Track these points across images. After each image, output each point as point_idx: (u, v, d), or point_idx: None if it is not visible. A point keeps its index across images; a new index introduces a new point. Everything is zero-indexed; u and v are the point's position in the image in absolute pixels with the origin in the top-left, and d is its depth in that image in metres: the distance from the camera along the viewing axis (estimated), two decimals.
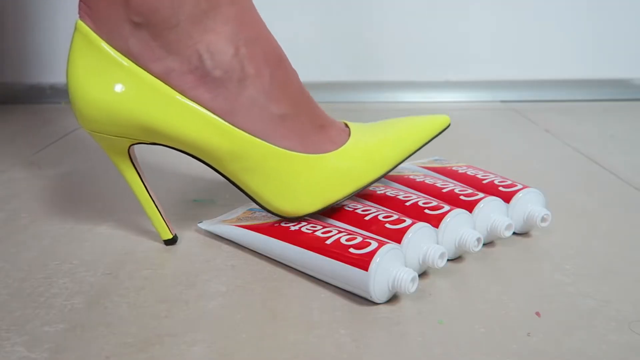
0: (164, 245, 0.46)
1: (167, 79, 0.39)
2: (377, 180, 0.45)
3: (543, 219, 0.46)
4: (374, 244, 0.38)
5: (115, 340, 0.35)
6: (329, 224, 0.43)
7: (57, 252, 0.46)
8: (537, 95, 1.01)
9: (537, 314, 0.37)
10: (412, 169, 0.55)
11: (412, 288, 0.37)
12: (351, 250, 0.38)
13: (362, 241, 0.39)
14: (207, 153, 0.41)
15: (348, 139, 0.44)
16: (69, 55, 0.40)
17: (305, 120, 0.42)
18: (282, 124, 0.41)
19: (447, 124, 0.48)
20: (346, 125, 0.46)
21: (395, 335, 0.35)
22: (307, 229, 0.42)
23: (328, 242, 0.40)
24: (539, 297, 0.39)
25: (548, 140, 0.77)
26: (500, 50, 1.00)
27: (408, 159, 0.47)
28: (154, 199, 0.45)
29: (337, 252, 0.39)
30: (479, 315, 0.37)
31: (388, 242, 0.38)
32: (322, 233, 0.41)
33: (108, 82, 0.39)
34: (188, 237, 0.48)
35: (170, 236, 0.46)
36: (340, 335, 0.35)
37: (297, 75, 0.43)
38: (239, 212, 0.49)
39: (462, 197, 0.46)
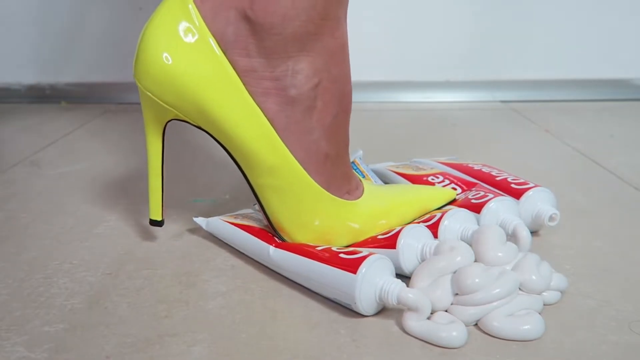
0: (164, 245, 0.46)
1: (245, 76, 0.39)
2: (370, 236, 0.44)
3: (551, 218, 0.46)
4: (365, 252, 0.37)
5: (115, 340, 0.35)
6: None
7: (57, 252, 0.46)
8: (537, 95, 1.01)
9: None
10: (431, 165, 0.56)
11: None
12: (341, 255, 0.38)
13: (352, 250, 0.38)
14: (247, 158, 0.41)
15: (361, 195, 0.44)
16: (159, 8, 0.39)
17: (340, 165, 0.43)
18: (323, 161, 0.42)
19: (452, 198, 0.49)
20: (360, 181, 0.47)
21: (395, 335, 0.35)
22: None
23: (318, 248, 0.40)
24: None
25: (548, 140, 0.77)
26: (501, 50, 1.00)
27: (407, 157, 0.46)
28: (163, 178, 0.44)
29: (326, 256, 0.38)
30: None
31: (377, 253, 0.37)
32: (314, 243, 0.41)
33: (188, 54, 0.39)
34: (188, 237, 0.48)
35: (159, 218, 0.45)
36: (340, 335, 0.35)
37: (349, 122, 0.44)
38: (240, 212, 0.49)
39: (473, 202, 0.46)
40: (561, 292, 0.39)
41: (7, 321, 0.37)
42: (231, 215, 0.48)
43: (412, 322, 0.35)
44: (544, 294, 0.38)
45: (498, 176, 0.50)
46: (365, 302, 0.36)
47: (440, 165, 0.56)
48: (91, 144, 0.77)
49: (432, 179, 0.52)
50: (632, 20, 0.99)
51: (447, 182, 0.51)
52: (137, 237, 0.48)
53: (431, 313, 0.36)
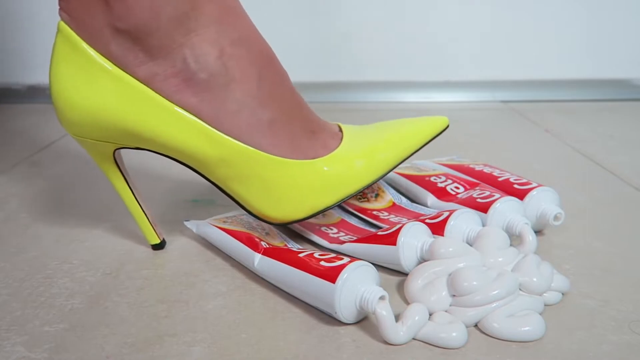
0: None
1: (151, 83, 0.38)
2: (370, 185, 0.43)
3: (556, 218, 0.45)
4: (346, 259, 0.36)
5: (115, 340, 0.35)
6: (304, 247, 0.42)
7: (57, 252, 0.46)
8: (537, 95, 1.01)
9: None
10: (431, 167, 0.56)
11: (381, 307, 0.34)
12: (322, 263, 0.36)
13: (334, 256, 0.37)
14: (193, 159, 0.40)
15: (340, 143, 0.42)
16: (51, 57, 0.40)
17: (296, 124, 0.41)
18: (270, 130, 0.40)
19: (445, 126, 0.46)
20: (340, 129, 0.44)
21: None
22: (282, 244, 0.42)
23: (301, 255, 0.38)
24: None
25: (548, 140, 0.77)
26: (500, 51, 1.00)
27: (408, 160, 0.46)
28: (140, 203, 0.44)
29: (307, 264, 0.37)
30: None
31: (360, 259, 0.36)
32: (297, 248, 0.41)
33: (91, 85, 0.38)
34: (188, 237, 0.48)
35: (158, 241, 0.45)
36: (340, 335, 0.35)
37: (288, 77, 0.42)
38: (231, 214, 0.48)
39: (478, 201, 0.46)
40: (562, 293, 0.39)
41: (7, 321, 0.37)
42: (221, 219, 0.47)
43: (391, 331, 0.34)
44: (544, 294, 0.38)
45: (500, 177, 0.50)
46: (345, 310, 0.35)
47: (442, 166, 0.56)
48: None
49: (435, 180, 0.52)
50: (632, 20, 0.99)
51: (449, 182, 0.51)
52: (137, 237, 0.48)
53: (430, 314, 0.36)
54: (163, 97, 0.38)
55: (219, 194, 0.57)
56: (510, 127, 0.85)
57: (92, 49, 0.38)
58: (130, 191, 0.43)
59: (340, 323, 0.36)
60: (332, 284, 0.34)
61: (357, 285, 0.35)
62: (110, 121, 0.39)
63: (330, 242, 0.44)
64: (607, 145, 0.74)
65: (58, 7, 0.39)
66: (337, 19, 0.98)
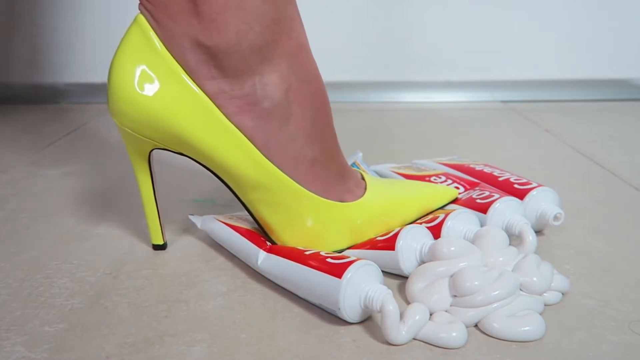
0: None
1: (216, 99, 0.39)
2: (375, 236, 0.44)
3: (556, 218, 0.46)
4: (351, 258, 0.36)
5: (115, 340, 0.35)
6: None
7: (57, 252, 0.46)
8: (537, 95, 1.01)
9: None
10: (432, 166, 0.56)
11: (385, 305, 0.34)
12: (328, 260, 0.37)
13: (340, 255, 0.38)
14: (233, 177, 0.41)
15: (364, 192, 0.44)
16: (120, 44, 0.39)
17: (332, 167, 0.43)
18: (311, 167, 0.41)
19: (454, 197, 0.49)
20: (362, 178, 0.46)
21: None
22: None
23: (306, 252, 0.39)
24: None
25: (548, 140, 0.77)
26: (501, 50, 1.00)
27: (409, 159, 0.46)
28: (157, 203, 0.44)
29: (313, 261, 0.37)
30: None
31: (365, 259, 0.37)
32: (302, 247, 0.41)
33: (155, 83, 0.39)
34: (188, 237, 0.48)
35: (162, 242, 0.46)
36: (340, 335, 0.35)
37: (332, 121, 0.44)
38: (237, 214, 0.49)
39: (478, 202, 0.46)
40: (562, 293, 0.39)
41: (7, 321, 0.37)
42: (226, 216, 0.47)
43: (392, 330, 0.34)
44: (545, 294, 0.38)
45: (500, 176, 0.50)
46: (349, 308, 0.35)
47: (442, 166, 0.56)
48: (91, 144, 0.77)
49: (435, 179, 0.52)
50: (632, 20, 0.99)
51: (449, 182, 0.51)
52: (137, 237, 0.48)
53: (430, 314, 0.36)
54: (224, 114, 0.39)
55: (219, 194, 0.57)
56: (510, 127, 0.85)
57: (167, 50, 0.38)
58: (152, 190, 0.44)
59: (340, 323, 0.36)
60: (337, 279, 0.35)
61: (362, 283, 0.35)
62: (166, 124, 0.39)
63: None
64: (607, 145, 0.74)
65: (139, 2, 0.39)
66: (337, 19, 0.98)
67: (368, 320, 0.37)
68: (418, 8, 0.98)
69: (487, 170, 0.52)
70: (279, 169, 0.40)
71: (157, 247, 0.46)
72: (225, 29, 0.37)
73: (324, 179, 0.42)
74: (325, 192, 0.42)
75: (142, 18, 0.39)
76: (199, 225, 0.47)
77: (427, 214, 0.46)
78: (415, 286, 0.37)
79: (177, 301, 0.39)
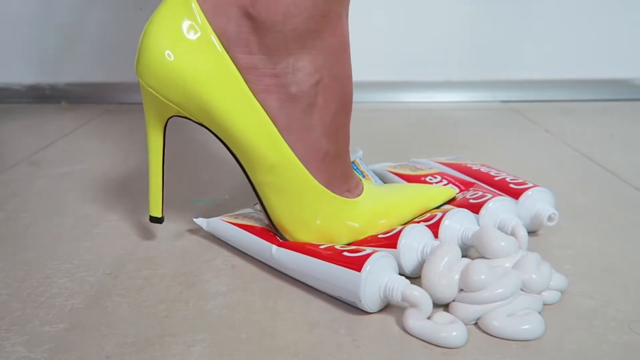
0: (164, 245, 0.46)
1: (246, 74, 0.39)
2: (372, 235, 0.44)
3: (550, 218, 0.46)
4: (368, 250, 0.38)
5: (115, 340, 0.35)
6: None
7: (57, 252, 0.46)
8: (537, 95, 1.01)
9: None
10: (429, 165, 0.56)
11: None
12: (345, 253, 0.38)
13: (356, 248, 0.39)
14: (248, 155, 0.41)
15: (361, 194, 0.45)
16: (159, 10, 0.39)
17: (339, 164, 0.43)
18: (322, 160, 0.42)
19: (452, 197, 0.49)
20: (360, 180, 0.47)
21: (395, 335, 0.35)
22: None
23: (322, 246, 0.40)
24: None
25: (548, 140, 0.77)
26: (501, 50, 1.00)
27: (406, 157, 0.46)
28: (163, 175, 0.44)
29: (330, 255, 0.38)
30: None
31: (381, 250, 0.38)
32: (316, 241, 0.42)
33: (188, 49, 0.39)
34: (188, 237, 0.48)
35: (159, 215, 0.45)
36: (340, 335, 0.35)
37: (349, 122, 0.44)
38: (239, 212, 0.49)
39: (471, 202, 0.46)
40: (561, 292, 0.39)
41: (7, 321, 0.37)
42: (231, 215, 0.48)
43: (413, 321, 0.35)
44: (543, 293, 0.38)
45: (497, 176, 0.51)
46: (369, 299, 0.36)
47: (439, 165, 0.56)
48: (91, 144, 0.77)
49: (430, 179, 0.52)
50: (631, 20, 0.99)
51: (445, 182, 0.51)
52: (137, 237, 0.48)
53: (434, 303, 0.36)
54: (251, 90, 0.39)
55: (219, 194, 0.57)
56: (510, 127, 0.85)
57: (205, 20, 0.39)
58: (161, 159, 0.44)
59: (340, 323, 0.36)
60: (357, 272, 0.36)
61: (381, 275, 0.36)
62: (192, 89, 0.39)
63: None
64: (607, 145, 0.74)
65: None
66: None
67: (368, 319, 0.37)
68: (418, 8, 0.98)
69: (483, 169, 0.53)
70: (294, 153, 0.41)
71: (154, 220, 0.45)
72: (276, 7, 0.38)
73: (331, 174, 0.42)
74: (328, 185, 0.42)
75: None
76: (204, 227, 0.47)
77: (424, 213, 0.46)
78: (433, 267, 0.37)
79: (177, 301, 0.39)
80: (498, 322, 0.35)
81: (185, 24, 0.39)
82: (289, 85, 0.40)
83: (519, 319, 0.35)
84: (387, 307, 0.38)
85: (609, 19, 0.99)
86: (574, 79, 1.01)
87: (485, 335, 0.35)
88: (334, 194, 0.42)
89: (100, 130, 0.84)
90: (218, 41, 0.39)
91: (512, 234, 0.42)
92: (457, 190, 0.50)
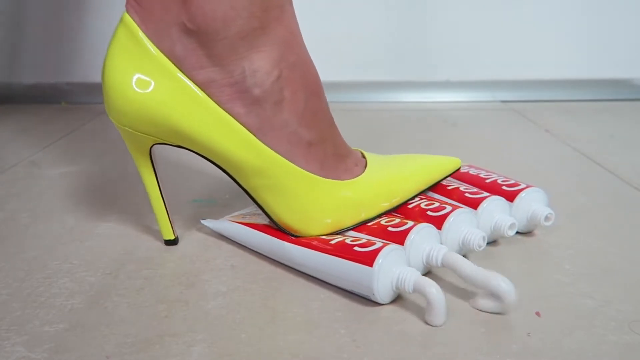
0: (164, 245, 0.46)
1: (206, 88, 0.39)
2: (385, 213, 0.45)
3: (547, 218, 0.46)
4: (379, 244, 0.38)
5: (115, 340, 0.35)
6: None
7: (57, 252, 0.46)
8: (537, 95, 1.01)
9: (537, 314, 0.37)
10: None
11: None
12: (356, 248, 0.38)
13: (366, 242, 0.39)
14: (232, 165, 0.41)
15: (364, 170, 0.45)
16: (109, 46, 0.40)
17: (329, 148, 0.43)
18: (307, 150, 0.42)
19: (457, 168, 0.49)
20: (362, 155, 0.47)
21: (395, 335, 0.35)
22: None
23: (332, 242, 0.40)
24: (539, 297, 0.39)
25: (548, 140, 0.77)
26: (501, 50, 1.00)
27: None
28: (164, 198, 0.45)
29: (342, 250, 0.39)
30: (479, 315, 0.37)
31: (391, 243, 0.38)
32: (326, 235, 0.42)
33: (147, 80, 0.39)
34: (188, 237, 0.48)
35: (173, 237, 0.46)
36: (340, 335, 0.35)
37: (327, 104, 0.44)
38: (244, 211, 0.49)
39: (467, 195, 0.46)
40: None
41: (7, 321, 0.37)
42: (239, 215, 0.48)
43: (435, 318, 0.36)
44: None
45: (487, 178, 0.50)
46: (382, 292, 0.37)
47: None
48: (91, 144, 0.77)
49: None
50: (632, 20, 0.99)
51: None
52: (137, 237, 0.48)
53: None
54: (216, 102, 0.40)
55: (219, 194, 0.57)
56: (510, 127, 0.85)
57: (154, 45, 0.39)
58: (157, 186, 0.45)
59: (340, 323, 0.36)
60: (369, 267, 0.37)
61: (393, 267, 0.37)
62: (161, 118, 0.40)
63: None
64: (607, 145, 0.74)
65: (126, 1, 0.40)
66: (337, 19, 0.98)
67: (368, 319, 0.37)
68: (418, 8, 0.98)
69: (472, 172, 0.52)
70: (275, 151, 0.41)
71: (168, 243, 0.46)
72: (213, 15, 0.38)
73: (321, 160, 0.42)
74: (322, 171, 0.42)
75: (127, 17, 0.39)
76: (212, 228, 0.47)
77: (433, 186, 0.47)
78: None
79: (177, 301, 0.39)
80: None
81: (137, 56, 0.39)
82: (251, 89, 0.40)
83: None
84: (386, 307, 0.38)
85: (609, 19, 0.99)
86: (574, 79, 1.01)
87: (485, 334, 0.35)
88: (329, 180, 0.42)
89: (100, 130, 0.84)
90: (172, 65, 0.39)
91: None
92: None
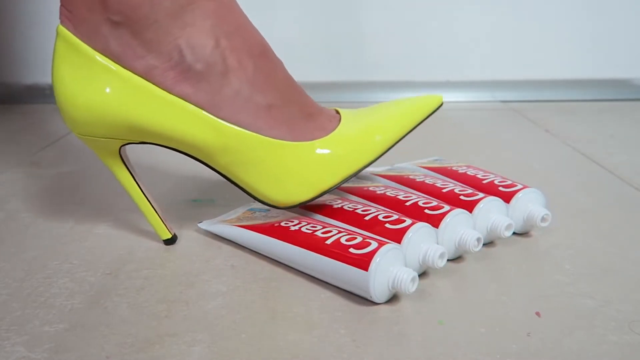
0: (164, 245, 0.46)
1: (150, 77, 0.39)
2: (369, 165, 0.44)
3: (543, 219, 0.46)
4: (374, 244, 0.38)
5: (115, 340, 0.35)
6: (329, 224, 0.43)
7: (57, 252, 0.46)
8: (537, 95, 1.01)
9: (537, 314, 0.37)
10: (412, 169, 0.55)
11: (412, 288, 0.37)
12: (351, 250, 0.38)
13: (362, 241, 0.39)
14: (196, 148, 0.41)
15: (338, 125, 0.44)
16: (53, 61, 0.41)
17: (293, 109, 0.42)
18: (268, 114, 0.41)
19: (439, 104, 0.47)
20: (337, 112, 0.46)
21: (395, 335, 0.35)
22: (307, 229, 0.42)
23: (328, 242, 0.40)
24: (539, 297, 0.39)
25: (548, 140, 0.77)
26: (500, 50, 1.00)
27: (389, 162, 0.45)
28: (149, 198, 0.45)
29: (337, 252, 0.39)
30: (479, 315, 0.37)
31: (388, 242, 0.38)
32: (322, 233, 0.41)
33: (93, 84, 0.39)
34: (188, 237, 0.48)
35: (169, 235, 0.46)
36: (340, 335, 0.35)
37: (283, 65, 0.43)
38: (239, 212, 0.49)
39: (462, 197, 0.46)
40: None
41: (7, 321, 0.37)
42: (233, 218, 0.48)
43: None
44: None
45: (484, 179, 0.50)
46: (379, 292, 0.37)
47: (424, 170, 0.54)
48: None
49: (374, 190, 0.49)
50: (632, 20, 0.99)
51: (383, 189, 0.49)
52: (137, 237, 0.48)
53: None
54: (162, 89, 0.39)
55: (218, 194, 0.57)
56: (510, 127, 0.85)
57: (91, 48, 0.39)
58: (138, 187, 0.44)
59: (340, 323, 0.36)
60: (365, 271, 0.37)
61: (389, 268, 0.37)
62: (114, 117, 0.40)
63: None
64: (607, 145, 0.74)
65: (59, 11, 0.40)
66: (337, 20, 0.98)
67: (368, 319, 0.37)
68: (418, 8, 0.98)
69: (470, 172, 0.51)
70: (234, 124, 0.40)
71: (167, 242, 0.46)
72: (137, 1, 0.38)
73: (286, 122, 0.42)
74: (291, 134, 0.42)
75: (61, 28, 0.40)
76: (209, 230, 0.47)
77: (415, 127, 0.46)
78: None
79: (177, 301, 0.39)
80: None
81: (78, 63, 0.39)
82: (193, 66, 0.39)
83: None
84: (386, 307, 0.38)
85: (609, 19, 0.99)
86: (574, 79, 1.01)
87: (485, 334, 0.35)
88: (297, 142, 0.41)
89: None
90: (109, 61, 0.39)
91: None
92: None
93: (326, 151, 0.42)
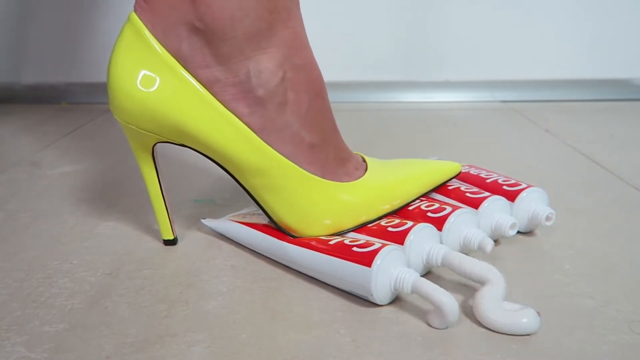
0: (164, 245, 0.46)
1: (211, 87, 0.40)
2: (384, 216, 0.45)
3: (547, 218, 0.46)
4: (377, 244, 0.38)
5: (115, 340, 0.35)
6: None
7: (57, 252, 0.46)
8: (537, 95, 1.01)
9: (537, 313, 0.37)
10: None
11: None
12: (354, 249, 0.38)
13: (365, 242, 0.39)
14: (234, 164, 0.41)
15: (364, 174, 0.45)
16: (115, 44, 0.40)
17: (330, 151, 0.43)
18: (309, 151, 0.42)
19: (457, 172, 0.49)
20: (363, 159, 0.47)
21: (395, 335, 0.35)
22: None
23: (331, 242, 0.40)
24: (539, 297, 0.39)
25: (548, 140, 0.77)
26: (500, 50, 1.00)
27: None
28: (165, 198, 0.45)
29: (340, 251, 0.39)
30: None
31: (390, 244, 0.38)
32: (326, 236, 0.42)
33: (152, 78, 0.39)
34: (188, 237, 0.48)
35: (172, 237, 0.46)
36: (340, 335, 0.35)
37: (330, 107, 0.44)
38: (244, 211, 0.49)
39: (468, 195, 0.46)
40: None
41: (7, 321, 0.37)
42: (239, 215, 0.48)
43: (438, 320, 0.35)
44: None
45: (488, 178, 0.50)
46: (381, 293, 0.37)
47: None
48: (91, 144, 0.77)
49: None
50: (632, 20, 0.99)
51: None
52: (137, 237, 0.48)
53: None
54: (220, 102, 0.40)
55: (219, 194, 0.57)
56: (510, 127, 0.85)
57: (160, 44, 0.39)
58: (159, 185, 0.45)
59: (340, 323, 0.36)
60: (367, 268, 0.36)
61: (391, 268, 0.37)
62: (165, 116, 0.40)
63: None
64: (607, 145, 0.74)
65: (135, 1, 0.40)
66: (337, 19, 0.98)
67: (368, 319, 0.37)
68: (418, 9, 0.98)
69: (473, 172, 0.52)
70: (277, 152, 0.41)
71: (167, 243, 0.46)
72: (221, 15, 0.38)
73: (322, 162, 0.43)
74: (323, 174, 0.42)
75: (134, 16, 0.40)
76: (212, 227, 0.48)
77: (433, 189, 0.47)
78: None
79: (177, 301, 0.39)
80: (493, 314, 0.35)
81: (144, 55, 0.39)
82: (255, 89, 0.40)
83: (516, 313, 0.35)
84: (386, 308, 0.38)
85: (608, 19, 0.99)
86: (574, 79, 1.01)
87: (485, 334, 0.35)
88: (329, 181, 0.42)
89: (100, 130, 0.84)
90: (177, 63, 0.39)
91: (480, 249, 0.42)
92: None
93: (349, 197, 0.43)
